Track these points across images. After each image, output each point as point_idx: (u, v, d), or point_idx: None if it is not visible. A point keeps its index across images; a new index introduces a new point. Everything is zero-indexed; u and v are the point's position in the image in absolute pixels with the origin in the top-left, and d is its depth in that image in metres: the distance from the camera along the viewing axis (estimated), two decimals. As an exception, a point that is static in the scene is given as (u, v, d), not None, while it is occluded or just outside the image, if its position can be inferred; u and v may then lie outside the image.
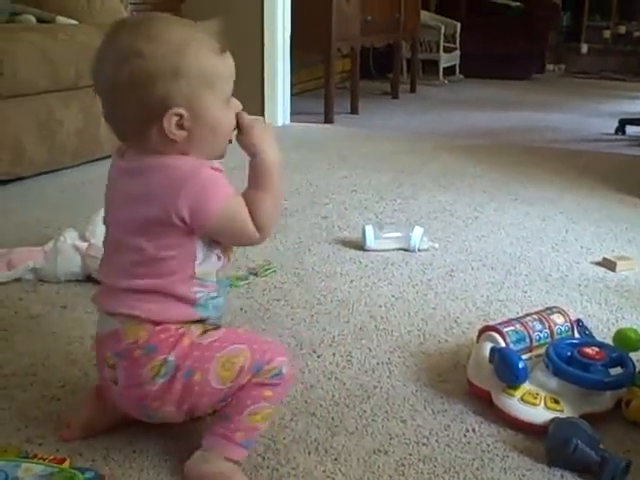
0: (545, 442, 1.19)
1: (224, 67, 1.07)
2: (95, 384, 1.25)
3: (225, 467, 1.10)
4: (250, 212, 1.09)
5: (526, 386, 1.28)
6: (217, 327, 1.15)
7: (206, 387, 1.08)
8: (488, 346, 1.34)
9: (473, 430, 1.27)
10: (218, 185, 1.06)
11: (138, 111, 1.03)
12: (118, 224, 1.11)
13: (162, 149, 1.05)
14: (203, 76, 1.03)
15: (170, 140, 1.04)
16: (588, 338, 1.44)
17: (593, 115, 5.04)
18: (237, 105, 1.11)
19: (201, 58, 1.03)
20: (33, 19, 3.04)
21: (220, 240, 1.12)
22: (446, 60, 6.47)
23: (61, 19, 3.09)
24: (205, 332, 1.11)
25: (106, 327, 1.12)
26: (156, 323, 1.08)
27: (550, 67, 7.66)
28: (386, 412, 1.32)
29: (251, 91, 4.08)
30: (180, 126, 1.03)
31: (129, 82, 1.01)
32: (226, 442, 1.10)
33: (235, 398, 1.09)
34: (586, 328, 1.47)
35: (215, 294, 1.14)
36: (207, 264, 1.11)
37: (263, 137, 1.12)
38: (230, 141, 1.12)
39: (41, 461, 1.09)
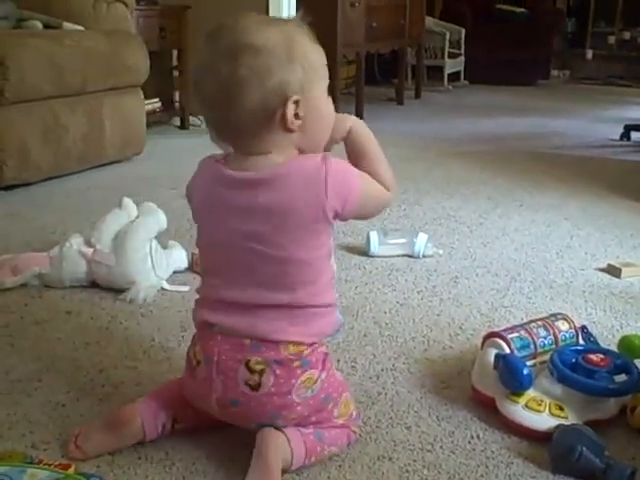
0: (550, 449, 1.19)
1: (324, 56, 1.10)
2: (115, 409, 1.23)
3: (277, 467, 1.10)
4: (375, 179, 1.15)
5: (530, 393, 1.28)
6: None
7: (327, 415, 1.17)
8: (492, 352, 1.34)
9: (477, 437, 1.27)
10: (348, 169, 1.11)
11: (259, 103, 1.03)
12: (247, 238, 1.08)
13: (278, 143, 1.07)
14: (313, 64, 1.06)
15: (288, 131, 1.06)
16: (592, 345, 1.44)
17: (598, 121, 5.03)
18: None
19: (308, 46, 1.07)
20: (40, 25, 3.05)
21: (363, 216, 1.20)
22: (451, 66, 6.48)
23: (67, 25, 3.10)
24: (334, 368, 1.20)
25: (248, 332, 1.10)
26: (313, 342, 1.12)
27: (555, 73, 7.66)
28: (390, 418, 1.32)
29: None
30: (296, 115, 1.05)
31: (248, 75, 1.02)
32: (305, 456, 1.13)
33: (338, 431, 1.18)
34: (591, 335, 1.47)
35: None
36: (334, 257, 1.16)
37: (344, 119, 1.17)
38: None
39: (46, 467, 1.10)
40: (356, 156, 1.16)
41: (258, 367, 1.09)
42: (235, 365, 1.09)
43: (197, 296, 1.19)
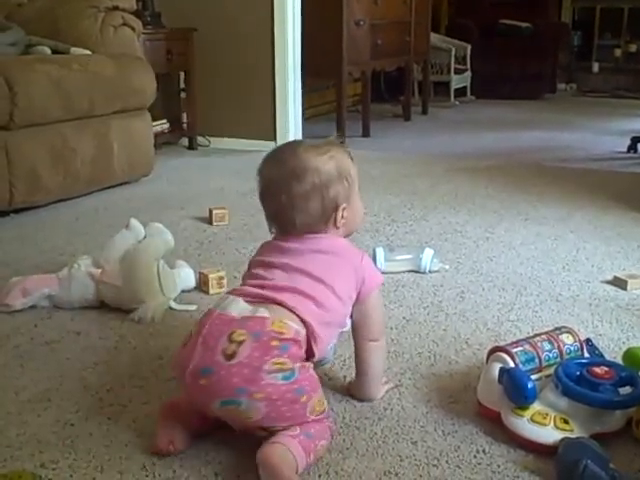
0: (555, 463, 1.19)
1: (356, 168, 1.39)
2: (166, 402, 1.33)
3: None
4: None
5: (536, 406, 1.29)
6: None
7: (301, 410, 1.20)
8: (497, 367, 1.34)
9: (483, 451, 1.27)
10: (376, 271, 1.42)
11: (320, 211, 1.32)
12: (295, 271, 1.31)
13: (326, 232, 1.36)
14: (353, 177, 1.36)
15: (337, 228, 1.36)
16: (597, 357, 1.44)
17: (605, 133, 5.04)
18: None
19: (348, 164, 1.36)
20: (48, 50, 3.10)
21: (367, 321, 1.38)
22: (457, 81, 6.51)
23: (75, 50, 3.14)
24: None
25: (243, 311, 1.23)
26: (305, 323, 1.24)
27: (562, 86, 7.67)
28: (397, 434, 1.32)
29: (263, 116, 4.12)
30: (342, 216, 1.34)
31: (311, 190, 1.30)
32: (305, 455, 1.17)
33: (320, 426, 1.23)
34: (595, 347, 1.47)
35: None
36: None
37: None
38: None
39: (55, 486, 1.11)
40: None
41: (240, 337, 1.18)
42: (219, 335, 1.20)
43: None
